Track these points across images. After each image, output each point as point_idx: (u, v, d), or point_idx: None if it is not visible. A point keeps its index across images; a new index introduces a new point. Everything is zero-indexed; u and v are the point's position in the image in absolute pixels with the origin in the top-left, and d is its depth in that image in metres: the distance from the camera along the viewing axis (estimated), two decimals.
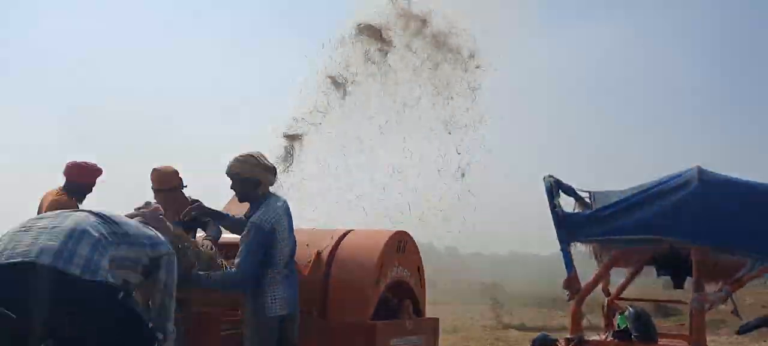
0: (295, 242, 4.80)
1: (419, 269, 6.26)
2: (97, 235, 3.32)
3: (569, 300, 4.76)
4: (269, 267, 4.51)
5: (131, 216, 4.02)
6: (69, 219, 3.39)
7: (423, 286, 6.34)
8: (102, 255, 3.27)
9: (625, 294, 6.02)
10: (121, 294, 3.23)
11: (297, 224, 4.96)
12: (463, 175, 10.04)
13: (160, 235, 3.80)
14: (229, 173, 4.73)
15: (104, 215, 3.56)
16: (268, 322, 4.50)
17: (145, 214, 4.18)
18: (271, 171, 4.75)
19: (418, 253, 6.31)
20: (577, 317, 4.70)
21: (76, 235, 3.26)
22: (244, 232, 4.54)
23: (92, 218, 3.45)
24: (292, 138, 8.94)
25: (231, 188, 4.87)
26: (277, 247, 4.53)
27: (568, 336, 4.71)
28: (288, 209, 4.75)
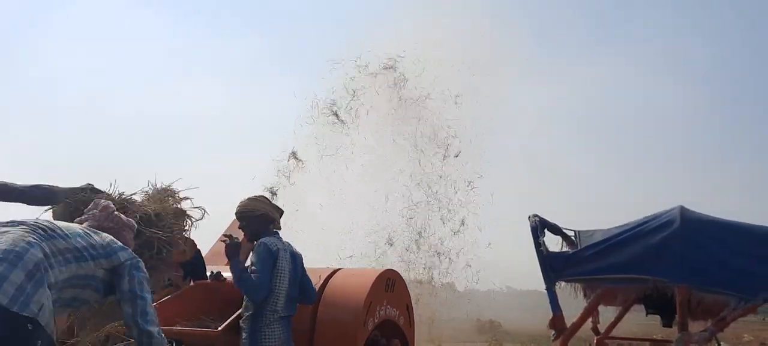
0: (299, 290, 4.84)
1: (408, 308, 6.25)
2: (35, 259, 2.80)
3: (554, 340, 4.75)
4: (267, 307, 4.55)
5: (80, 221, 3.48)
6: (4, 238, 2.84)
7: (412, 325, 6.32)
8: (39, 284, 2.76)
9: (614, 333, 6.01)
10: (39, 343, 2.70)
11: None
12: (463, 223, 10.16)
13: (116, 240, 3.27)
14: (243, 210, 4.84)
15: (46, 227, 3.02)
16: None
17: (95, 216, 3.52)
18: (280, 212, 4.85)
19: (407, 291, 6.30)
20: None
21: (11, 258, 2.74)
22: (253, 251, 4.71)
23: (31, 235, 2.89)
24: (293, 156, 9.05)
25: (241, 228, 4.95)
26: (275, 280, 4.58)
27: None
28: (294, 254, 4.83)
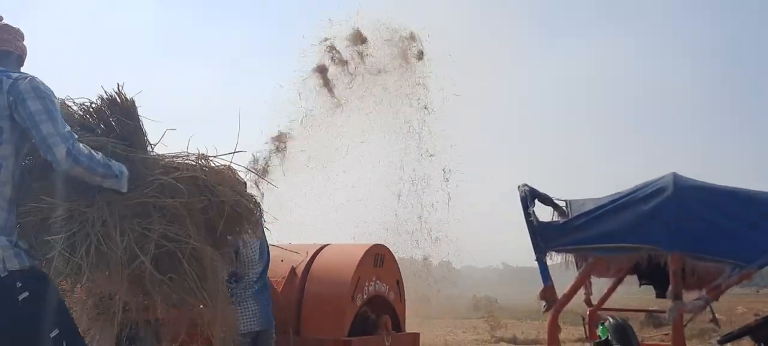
0: (269, 258, 4.69)
1: (398, 283, 6.15)
2: None
3: (545, 312, 4.64)
4: (240, 283, 4.41)
5: None
6: None
7: (403, 300, 6.23)
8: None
9: (608, 304, 5.89)
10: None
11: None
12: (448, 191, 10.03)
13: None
14: None
15: None
16: (242, 339, 4.40)
17: None
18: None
19: (397, 267, 6.20)
20: (553, 329, 4.57)
21: None
22: None
23: None
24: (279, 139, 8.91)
25: None
26: (243, 260, 4.43)
27: None
28: None
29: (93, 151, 2.84)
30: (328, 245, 5.81)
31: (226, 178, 3.30)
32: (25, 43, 3.09)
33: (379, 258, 5.83)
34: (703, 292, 4.61)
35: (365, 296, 5.60)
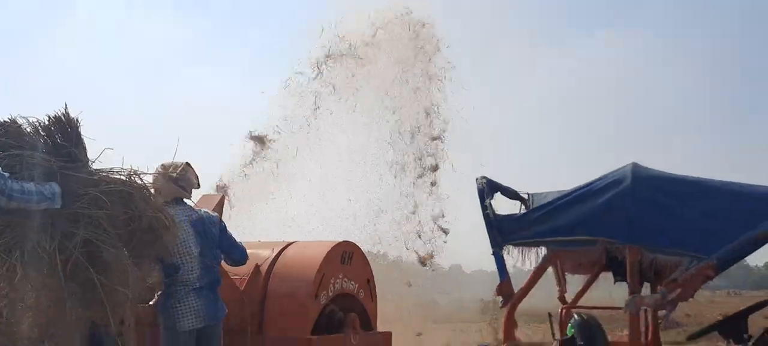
0: (213, 254, 4.60)
1: (369, 282, 6.05)
2: None
3: (502, 306, 4.53)
4: (177, 282, 4.35)
5: None
6: None
7: (374, 299, 6.13)
8: None
9: (582, 302, 5.76)
10: None
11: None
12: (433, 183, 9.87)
13: None
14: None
15: None
16: (180, 336, 4.34)
17: None
18: (175, 182, 4.57)
19: (368, 265, 6.11)
20: (509, 323, 4.47)
21: None
22: None
23: None
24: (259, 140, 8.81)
25: None
26: (177, 260, 4.35)
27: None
28: (199, 221, 4.57)
29: (24, 184, 3.27)
30: (294, 242, 5.74)
31: (149, 194, 3.71)
32: None
33: (346, 256, 5.73)
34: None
35: (331, 294, 5.51)
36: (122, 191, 3.45)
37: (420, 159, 9.79)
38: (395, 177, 9.65)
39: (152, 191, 3.78)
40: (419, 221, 10.25)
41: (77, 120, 3.50)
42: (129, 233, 3.48)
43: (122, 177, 3.54)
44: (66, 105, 3.49)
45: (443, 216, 9.45)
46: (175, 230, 3.82)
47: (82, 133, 3.53)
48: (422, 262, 9.39)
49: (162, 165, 4.57)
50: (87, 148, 3.55)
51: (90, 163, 3.55)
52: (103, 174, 3.51)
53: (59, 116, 3.47)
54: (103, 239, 3.28)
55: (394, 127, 9.35)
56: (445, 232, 9.27)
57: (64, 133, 3.47)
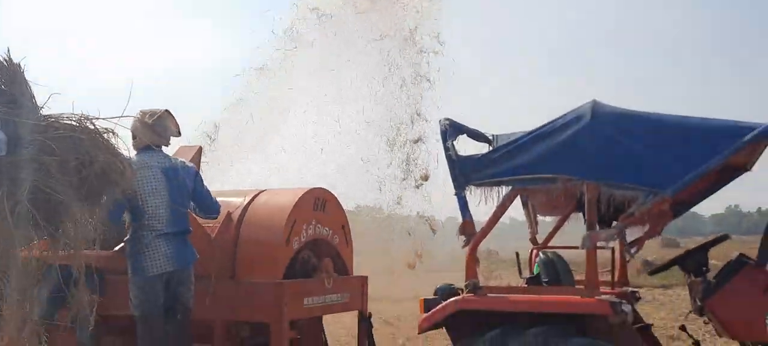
0: (183, 203, 4.66)
1: (344, 228, 6.12)
2: None
3: (464, 246, 4.59)
4: (145, 227, 4.41)
5: None
6: None
7: (349, 244, 6.21)
8: None
9: (553, 242, 5.83)
10: None
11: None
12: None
13: None
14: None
15: None
16: (148, 281, 4.42)
17: None
18: (150, 128, 4.62)
19: (342, 211, 6.17)
20: (471, 262, 4.53)
21: None
22: None
23: None
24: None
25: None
26: (149, 199, 4.42)
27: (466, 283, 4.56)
28: (172, 169, 4.63)
29: None
30: (265, 190, 5.78)
31: (102, 140, 3.66)
32: None
33: (319, 202, 5.78)
34: (645, 229, 4.53)
35: (303, 240, 5.58)
36: (72, 136, 3.44)
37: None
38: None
39: (107, 136, 3.76)
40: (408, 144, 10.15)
41: (21, 65, 3.45)
42: (80, 179, 3.46)
43: (72, 123, 3.51)
44: (9, 49, 3.44)
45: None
46: (131, 175, 3.82)
47: (27, 79, 3.49)
48: (423, 179, 9.32)
49: (140, 111, 4.62)
50: (35, 95, 3.53)
51: (39, 109, 3.52)
52: (52, 120, 3.49)
53: (1, 61, 3.41)
54: (52, 185, 3.27)
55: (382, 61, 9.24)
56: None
57: (7, 78, 3.42)
